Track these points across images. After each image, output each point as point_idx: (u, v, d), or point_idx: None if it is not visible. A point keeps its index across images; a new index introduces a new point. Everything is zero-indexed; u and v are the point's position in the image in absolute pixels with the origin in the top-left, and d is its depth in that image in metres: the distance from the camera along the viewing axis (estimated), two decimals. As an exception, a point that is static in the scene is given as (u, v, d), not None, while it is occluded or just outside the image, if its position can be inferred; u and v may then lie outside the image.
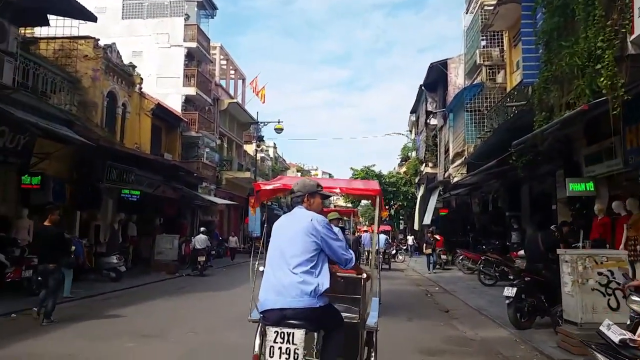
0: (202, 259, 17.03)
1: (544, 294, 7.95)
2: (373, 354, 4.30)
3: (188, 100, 26.02)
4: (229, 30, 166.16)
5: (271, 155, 52.41)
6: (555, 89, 9.54)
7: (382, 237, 20.53)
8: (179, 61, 25.66)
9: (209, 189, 26.79)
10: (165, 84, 25.37)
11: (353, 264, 3.64)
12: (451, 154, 22.44)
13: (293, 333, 3.20)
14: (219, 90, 31.87)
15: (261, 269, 3.82)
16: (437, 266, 20.15)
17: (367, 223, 40.77)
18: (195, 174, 22.88)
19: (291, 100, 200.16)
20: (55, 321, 8.11)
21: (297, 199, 3.69)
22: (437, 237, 20.32)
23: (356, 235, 21.02)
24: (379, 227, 7.16)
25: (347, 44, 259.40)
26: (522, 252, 14.86)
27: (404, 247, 32.59)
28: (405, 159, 44.07)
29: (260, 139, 33.05)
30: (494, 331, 8.14)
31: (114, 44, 20.24)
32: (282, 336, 3.22)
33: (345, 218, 15.25)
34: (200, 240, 17.62)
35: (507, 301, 7.85)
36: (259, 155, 44.63)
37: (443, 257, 20.61)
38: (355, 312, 4.06)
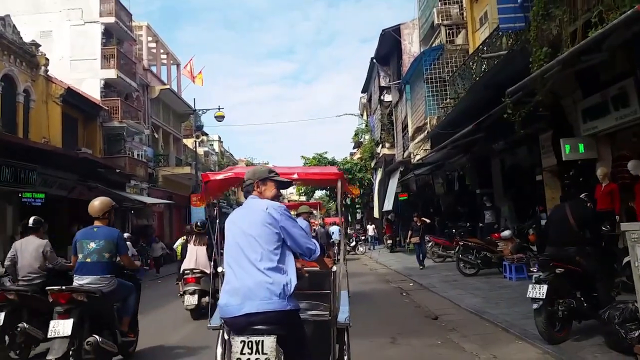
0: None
1: (581, 289, 5.60)
2: (346, 352, 3.93)
3: (108, 86, 22.58)
4: (166, 25, 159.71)
5: (216, 150, 49.04)
6: (563, 11, 7.20)
7: (336, 228, 19.48)
8: (95, 40, 22.14)
9: (140, 188, 23.46)
10: (80, 68, 21.85)
11: (318, 254, 3.26)
12: (410, 131, 20.18)
13: (262, 341, 2.75)
14: (149, 76, 28.46)
15: (219, 269, 3.72)
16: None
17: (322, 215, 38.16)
18: (118, 171, 19.56)
19: (238, 95, 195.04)
20: None
21: (249, 188, 3.33)
22: (426, 220, 16.94)
23: (325, 228, 19.15)
24: (342, 216, 6.44)
25: (291, 37, 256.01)
26: (505, 233, 12.75)
27: (363, 238, 30.40)
28: (358, 144, 41.87)
29: (199, 128, 29.80)
30: (519, 350, 5.68)
31: (8, 16, 16.74)
32: (249, 346, 2.75)
33: (313, 212, 14.28)
34: (123, 247, 14.52)
35: (535, 305, 5.42)
36: (202, 150, 41.54)
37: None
38: (324, 309, 3.76)
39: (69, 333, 4.45)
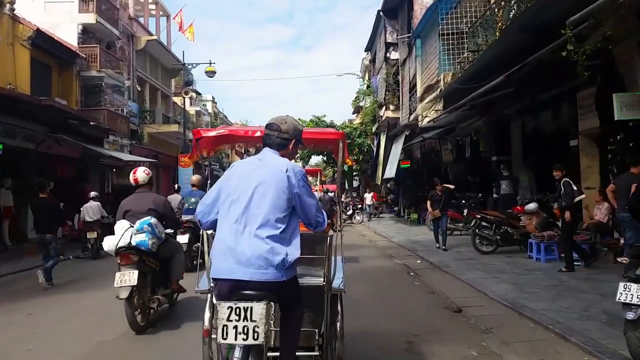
0: (92, 235, 12.22)
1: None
2: (340, 318, 3.75)
3: (87, 32, 20.35)
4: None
5: (210, 110, 46.82)
6: None
7: (329, 195, 18.47)
8: (72, -20, 19.88)
9: (120, 145, 21.54)
10: (55, 11, 19.65)
11: (325, 226, 3.01)
12: (419, 90, 18.24)
13: (251, 307, 2.57)
14: (135, 26, 26.16)
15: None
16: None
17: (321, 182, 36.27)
18: (92, 123, 17.60)
19: (236, 59, 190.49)
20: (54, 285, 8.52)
21: (279, 141, 2.92)
22: (450, 186, 14.07)
23: (329, 194, 18.94)
24: (341, 181, 6.50)
25: (290, 1, 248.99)
26: (530, 206, 11.05)
27: (360, 207, 28.79)
28: (358, 109, 39.78)
29: (188, 84, 27.72)
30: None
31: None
32: (237, 312, 2.56)
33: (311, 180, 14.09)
34: (90, 209, 12.78)
35: (631, 315, 3.70)
36: (193, 109, 39.49)
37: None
38: (318, 275, 3.66)
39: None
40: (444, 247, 11.85)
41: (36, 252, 12.63)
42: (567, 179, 9.07)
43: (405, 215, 24.08)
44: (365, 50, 32.10)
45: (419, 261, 10.68)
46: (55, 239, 8.85)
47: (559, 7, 7.56)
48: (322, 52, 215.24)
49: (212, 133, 4.42)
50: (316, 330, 3.57)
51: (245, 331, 2.55)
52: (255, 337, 2.55)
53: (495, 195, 15.17)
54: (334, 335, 3.64)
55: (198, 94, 45.81)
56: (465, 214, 15.07)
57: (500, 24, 12.32)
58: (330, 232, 3.55)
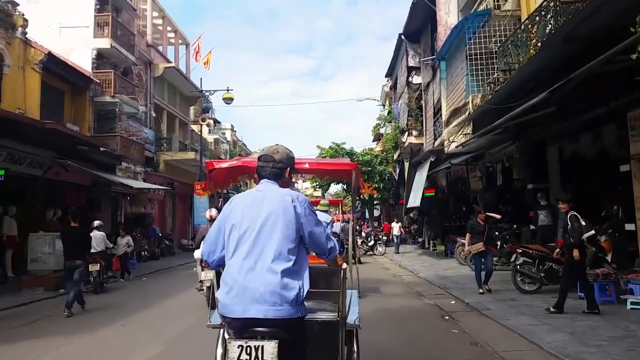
0: (95, 268, 11.27)
1: None
2: (355, 354, 3.67)
3: (102, 57, 19.98)
4: (185, 21, 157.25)
5: (228, 139, 46.40)
6: None
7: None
8: (87, 7, 19.58)
9: (133, 172, 20.87)
10: (70, 36, 19.30)
11: (337, 252, 2.95)
12: (445, 114, 17.25)
13: (262, 346, 2.49)
14: (153, 53, 25.87)
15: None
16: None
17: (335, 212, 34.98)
18: (102, 149, 16.90)
19: (255, 90, 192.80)
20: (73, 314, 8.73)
21: (275, 171, 2.88)
22: (496, 216, 12.11)
23: (350, 223, 17.24)
24: (355, 211, 6.23)
25: (309, 33, 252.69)
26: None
27: (382, 237, 27.49)
28: (378, 137, 38.87)
29: (206, 111, 27.19)
30: None
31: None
32: (247, 351, 2.49)
33: (331, 210, 13.16)
34: (94, 239, 11.85)
35: None
36: (212, 137, 39.06)
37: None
38: (332, 309, 3.55)
39: None
40: (487, 289, 9.98)
41: (35, 285, 11.87)
42: (575, 213, 8.10)
43: (431, 247, 22.78)
44: (386, 76, 31.34)
45: (452, 301, 9.48)
46: (82, 264, 9.34)
47: (620, 5, 6.54)
48: (340, 83, 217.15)
49: (225, 165, 4.34)
50: None
51: None
52: None
53: (532, 227, 13.96)
54: None
55: (217, 122, 45.54)
56: (498, 247, 13.82)
57: (534, 41, 11.39)
58: (344, 265, 3.36)
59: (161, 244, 23.68)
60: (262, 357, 2.46)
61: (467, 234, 10.62)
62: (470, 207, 19.55)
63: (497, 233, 14.75)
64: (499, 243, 14.13)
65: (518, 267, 9.89)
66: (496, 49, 14.04)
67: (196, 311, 8.59)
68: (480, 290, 9.89)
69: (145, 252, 21.20)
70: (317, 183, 34.24)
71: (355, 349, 3.70)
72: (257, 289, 2.52)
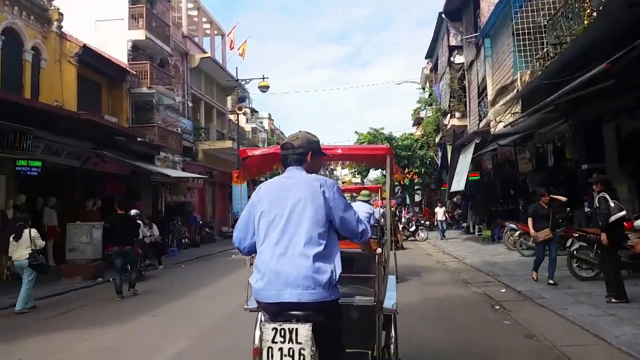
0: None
1: None
2: (393, 340, 3.63)
3: (137, 49, 19.98)
4: (221, 13, 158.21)
5: (266, 127, 46.33)
6: None
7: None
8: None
9: (172, 161, 20.89)
10: (106, 29, 19.37)
11: (369, 235, 2.94)
12: (490, 94, 16.36)
13: (296, 329, 2.49)
14: (188, 44, 25.83)
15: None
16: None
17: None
18: (140, 139, 16.88)
19: (290, 80, 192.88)
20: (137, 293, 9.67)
21: (296, 157, 2.88)
22: (562, 198, 10.68)
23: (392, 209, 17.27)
24: (392, 196, 6.16)
25: (346, 20, 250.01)
26: (638, 222, 9.05)
27: (424, 222, 26.69)
28: (418, 122, 37.86)
29: (242, 100, 27.01)
30: None
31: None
32: (282, 334, 2.50)
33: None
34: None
35: None
36: (249, 126, 39.05)
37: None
38: (368, 294, 3.46)
39: None
40: (551, 282, 8.70)
41: (73, 274, 11.92)
42: (605, 195, 7.43)
43: (476, 232, 21.91)
44: (426, 58, 30.30)
45: (503, 290, 8.85)
46: (132, 250, 9.92)
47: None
48: (378, 68, 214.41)
49: (258, 152, 4.34)
50: (369, 352, 3.43)
51: (291, 353, 2.49)
52: (301, 359, 2.48)
53: (587, 209, 13.03)
54: (388, 358, 3.50)
55: (254, 111, 45.54)
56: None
57: (589, 10, 10.50)
58: (379, 250, 3.40)
59: (202, 231, 23.84)
60: (297, 339, 2.47)
61: (530, 219, 9.36)
62: (519, 190, 18.60)
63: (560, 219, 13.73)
64: (572, 228, 13.22)
65: (575, 252, 9.13)
66: (545, 23, 13.14)
67: (233, 297, 8.28)
68: (550, 281, 8.69)
69: (186, 240, 21.33)
70: (356, 169, 33.69)
71: (393, 335, 3.66)
72: (289, 273, 2.55)
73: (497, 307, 7.51)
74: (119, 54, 19.00)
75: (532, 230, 9.27)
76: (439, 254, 16.22)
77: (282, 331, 2.49)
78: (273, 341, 2.48)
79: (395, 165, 4.67)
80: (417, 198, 42.16)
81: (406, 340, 5.09)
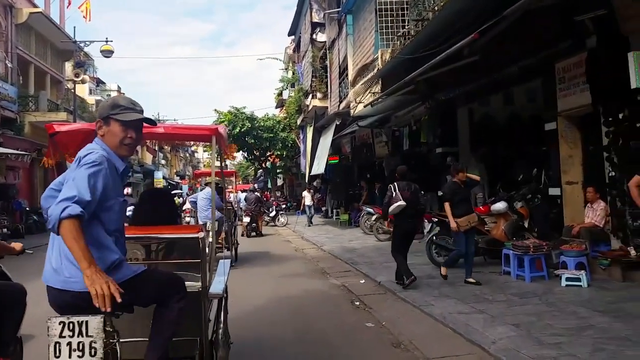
0: None
1: None
2: (222, 325, 3.59)
3: None
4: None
5: (115, 101, 41.97)
6: None
7: (255, 195, 17.63)
8: None
9: (-18, 134, 17.36)
10: None
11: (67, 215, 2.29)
12: (351, 73, 15.75)
13: (86, 322, 2.27)
14: (13, -5, 21.74)
15: None
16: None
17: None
18: None
19: (151, 54, 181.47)
20: None
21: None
22: (476, 177, 8.57)
23: (255, 193, 18.09)
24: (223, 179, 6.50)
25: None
26: (499, 205, 8.83)
27: (284, 207, 25.95)
28: (281, 104, 37.00)
29: (80, 65, 23.63)
30: None
31: None
32: (70, 327, 2.27)
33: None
34: None
35: None
36: (93, 98, 35.04)
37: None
38: (195, 279, 3.29)
39: None
40: (471, 280, 7.14)
41: None
42: (392, 184, 7.54)
43: (334, 216, 21.61)
44: (289, 35, 29.29)
45: (362, 280, 8.09)
46: None
47: None
48: (244, 50, 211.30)
49: (65, 128, 3.74)
50: (197, 339, 3.24)
51: (81, 348, 2.29)
52: (93, 353, 2.28)
53: (440, 193, 13.02)
54: (216, 343, 3.44)
55: (101, 82, 41.14)
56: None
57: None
58: (201, 234, 3.26)
59: (29, 219, 20.37)
60: (87, 332, 2.28)
61: (446, 203, 7.33)
62: (375, 175, 18.43)
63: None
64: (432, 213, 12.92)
65: (434, 238, 8.71)
66: (408, -1, 12.72)
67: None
68: (443, 273, 7.53)
69: (6, 229, 17.93)
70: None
71: (223, 320, 3.66)
72: (51, 256, 2.53)
73: (358, 303, 6.65)
74: None
75: (451, 219, 7.16)
76: (298, 240, 15.37)
77: (71, 324, 2.30)
78: (61, 336, 2.29)
79: (224, 146, 4.40)
80: (279, 182, 41.51)
81: (254, 346, 4.55)
